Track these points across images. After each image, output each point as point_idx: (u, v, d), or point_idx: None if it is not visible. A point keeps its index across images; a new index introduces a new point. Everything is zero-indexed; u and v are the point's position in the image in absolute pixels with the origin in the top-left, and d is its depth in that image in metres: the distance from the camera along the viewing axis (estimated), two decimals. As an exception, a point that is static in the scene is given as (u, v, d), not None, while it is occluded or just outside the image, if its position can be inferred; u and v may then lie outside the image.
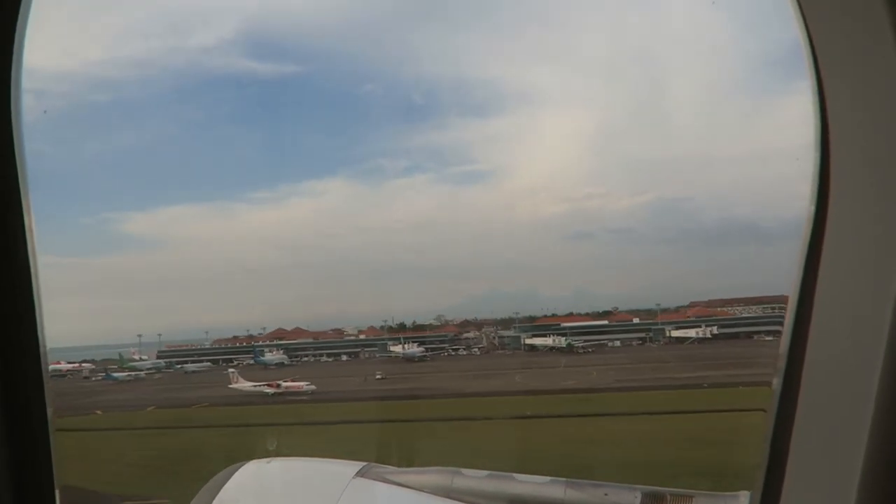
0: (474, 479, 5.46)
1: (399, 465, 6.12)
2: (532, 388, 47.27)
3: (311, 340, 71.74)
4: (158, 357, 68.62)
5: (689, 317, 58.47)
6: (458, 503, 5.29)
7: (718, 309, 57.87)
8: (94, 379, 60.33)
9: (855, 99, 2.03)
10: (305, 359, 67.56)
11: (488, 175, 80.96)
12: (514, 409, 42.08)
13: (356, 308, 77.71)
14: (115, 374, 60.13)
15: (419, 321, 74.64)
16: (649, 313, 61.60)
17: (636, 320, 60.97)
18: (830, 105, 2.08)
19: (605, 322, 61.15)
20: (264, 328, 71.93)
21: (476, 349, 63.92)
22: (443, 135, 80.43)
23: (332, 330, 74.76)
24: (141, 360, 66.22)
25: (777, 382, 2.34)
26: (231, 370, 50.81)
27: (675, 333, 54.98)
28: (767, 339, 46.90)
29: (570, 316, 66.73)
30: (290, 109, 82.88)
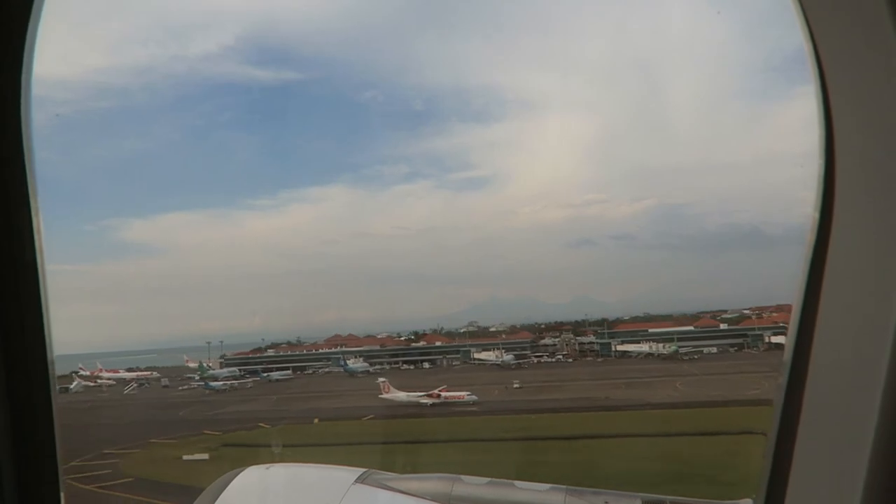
0: (474, 486, 5.49)
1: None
2: (731, 398, 41.12)
3: (378, 348, 70.70)
4: (222, 365, 67.56)
5: (777, 322, 57.96)
6: None
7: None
8: (181, 389, 58.98)
9: (859, 105, 2.02)
10: (379, 366, 66.27)
11: (489, 180, 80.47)
12: (728, 422, 36.65)
13: (395, 314, 77.42)
14: (213, 384, 58.81)
15: (482, 325, 74.16)
16: (731, 320, 61.45)
17: (723, 326, 60.79)
18: (835, 111, 2.08)
19: (692, 328, 60.87)
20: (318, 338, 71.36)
21: (560, 356, 63.16)
22: (444, 141, 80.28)
23: (384, 335, 73.86)
24: (212, 368, 65.17)
25: (780, 388, 2.33)
26: (381, 380, 48.90)
27: (775, 339, 54.41)
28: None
29: (635, 321, 66.50)
30: (291, 116, 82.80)
